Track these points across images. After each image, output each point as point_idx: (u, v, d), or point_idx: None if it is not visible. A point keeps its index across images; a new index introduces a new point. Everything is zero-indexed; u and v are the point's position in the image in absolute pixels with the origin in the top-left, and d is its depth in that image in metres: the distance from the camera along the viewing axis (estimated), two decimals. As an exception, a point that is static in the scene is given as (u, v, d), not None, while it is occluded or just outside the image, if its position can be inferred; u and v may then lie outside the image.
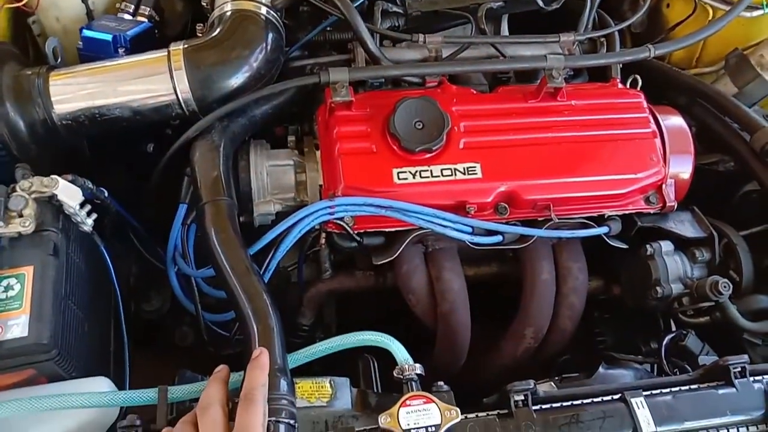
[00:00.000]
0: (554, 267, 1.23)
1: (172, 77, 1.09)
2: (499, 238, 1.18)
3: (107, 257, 1.04)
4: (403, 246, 1.15)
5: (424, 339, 1.25)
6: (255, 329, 0.91)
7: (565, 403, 0.94)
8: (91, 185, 1.01)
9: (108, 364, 1.07)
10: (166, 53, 1.11)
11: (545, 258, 1.23)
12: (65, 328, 0.89)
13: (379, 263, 1.15)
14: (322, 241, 1.16)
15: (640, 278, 1.22)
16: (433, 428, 0.83)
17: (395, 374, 0.91)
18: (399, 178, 1.12)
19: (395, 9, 1.30)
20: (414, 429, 0.82)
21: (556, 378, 1.21)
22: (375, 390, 1.03)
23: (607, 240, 1.22)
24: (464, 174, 1.15)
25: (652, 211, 1.23)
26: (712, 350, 1.19)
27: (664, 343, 1.17)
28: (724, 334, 1.23)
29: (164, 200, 1.21)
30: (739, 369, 0.98)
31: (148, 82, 1.10)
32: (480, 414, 0.92)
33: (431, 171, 1.14)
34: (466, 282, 1.22)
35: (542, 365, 1.31)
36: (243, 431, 0.77)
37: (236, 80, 1.13)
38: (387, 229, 1.15)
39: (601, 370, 1.11)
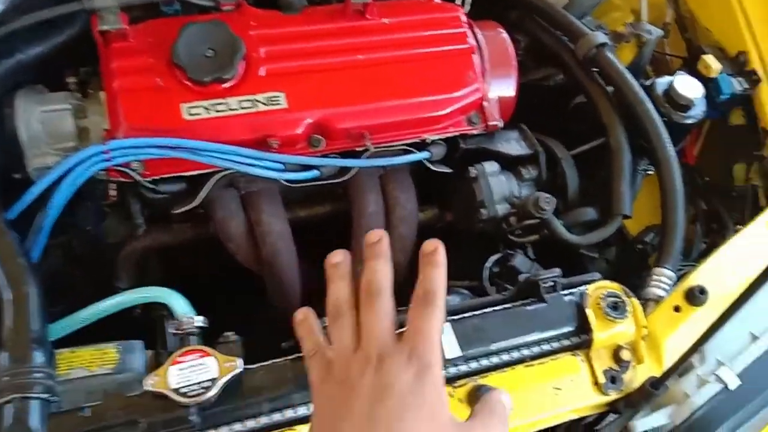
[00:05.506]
0: (382, 199, 1.17)
1: None
2: (315, 172, 1.10)
3: None
4: (205, 191, 1.04)
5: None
6: (9, 297, 0.79)
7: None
8: None
9: None
10: None
11: (371, 190, 1.16)
12: None
13: (178, 212, 1.05)
14: (112, 192, 1.04)
15: (466, 202, 1.18)
16: (209, 383, 0.75)
17: (173, 331, 0.82)
18: (190, 114, 1.01)
19: None
20: (186, 387, 0.74)
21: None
22: (172, 349, 0.94)
23: (430, 165, 1.16)
24: (266, 105, 1.04)
25: (476, 132, 1.18)
26: (542, 269, 1.17)
27: (486, 264, 1.13)
28: (563, 253, 1.21)
29: None
30: (550, 284, 0.96)
31: None
32: (276, 360, 0.85)
33: (228, 104, 1.03)
34: (300, 223, 1.13)
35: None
36: (417, 337, 0.63)
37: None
38: (186, 173, 1.04)
39: (424, 300, 1.06)
